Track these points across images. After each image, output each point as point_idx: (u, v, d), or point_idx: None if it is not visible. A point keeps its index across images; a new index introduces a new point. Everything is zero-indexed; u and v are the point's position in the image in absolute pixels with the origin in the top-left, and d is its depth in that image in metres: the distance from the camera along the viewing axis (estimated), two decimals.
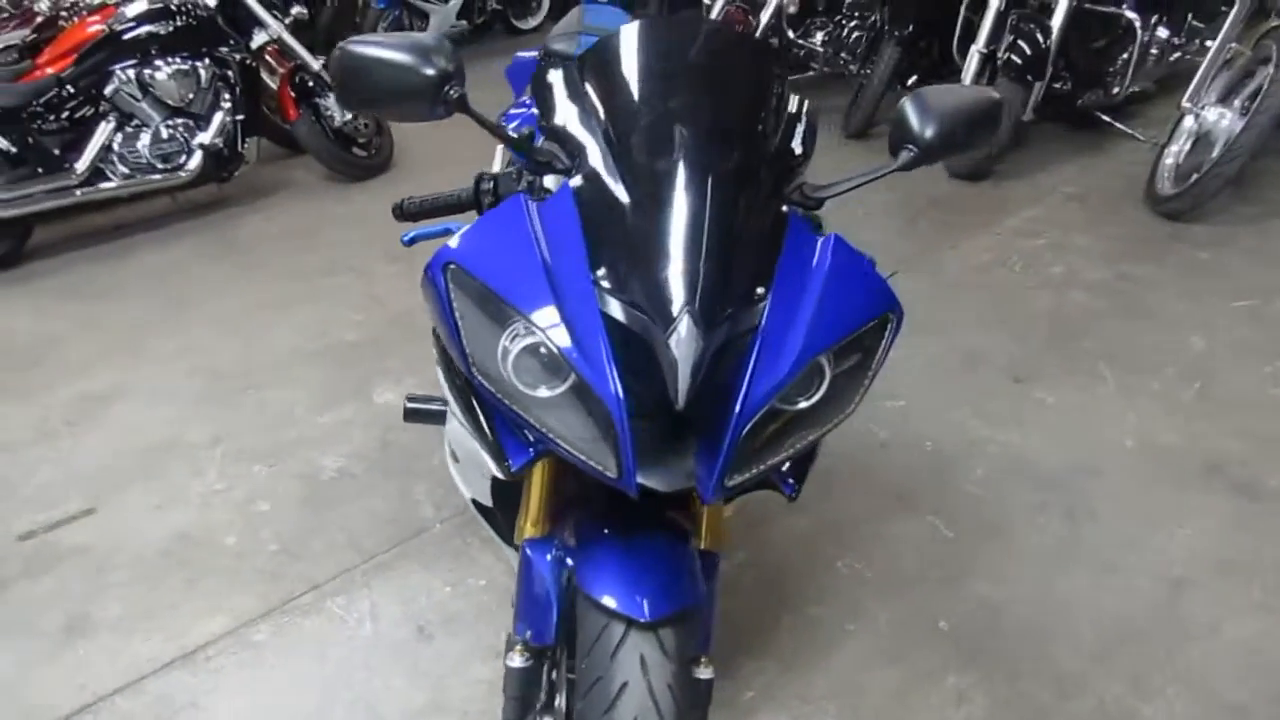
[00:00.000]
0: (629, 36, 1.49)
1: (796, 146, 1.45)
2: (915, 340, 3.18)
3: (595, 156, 1.35)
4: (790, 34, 5.35)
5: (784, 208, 1.37)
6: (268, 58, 4.72)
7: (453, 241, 1.28)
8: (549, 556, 1.42)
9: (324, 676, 2.06)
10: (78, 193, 4.14)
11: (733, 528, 2.39)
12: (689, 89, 1.41)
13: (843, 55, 5.19)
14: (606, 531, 1.37)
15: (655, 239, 1.25)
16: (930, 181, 4.41)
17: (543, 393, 1.22)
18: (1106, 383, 2.94)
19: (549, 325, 1.20)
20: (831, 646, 2.08)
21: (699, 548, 1.50)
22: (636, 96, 1.39)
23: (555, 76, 1.51)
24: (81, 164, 4.12)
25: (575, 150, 1.38)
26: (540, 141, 1.45)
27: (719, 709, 1.94)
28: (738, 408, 1.19)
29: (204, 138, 4.35)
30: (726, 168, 1.32)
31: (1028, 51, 4.12)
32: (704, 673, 1.48)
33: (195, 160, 4.35)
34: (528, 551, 1.44)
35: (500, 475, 1.38)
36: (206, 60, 4.39)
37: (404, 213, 1.60)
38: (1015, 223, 4.04)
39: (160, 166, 4.33)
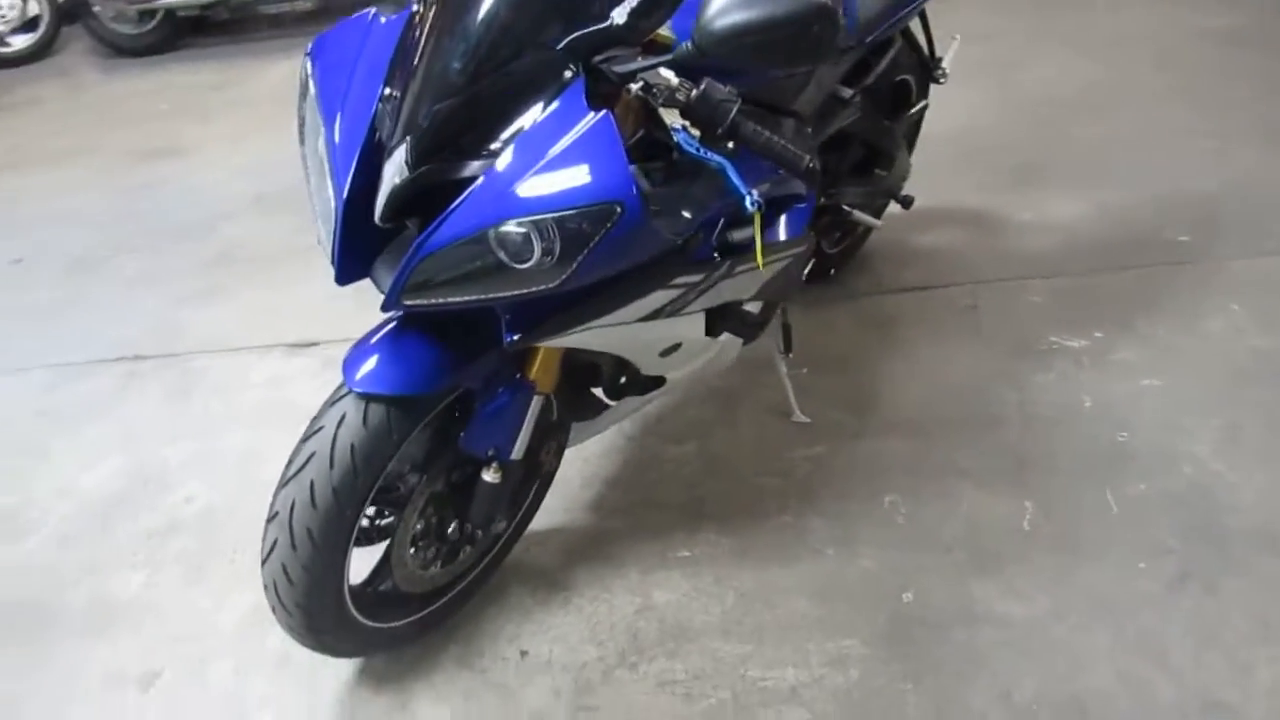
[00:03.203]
0: None
1: (619, 17, 1.41)
2: (1231, 325, 2.54)
3: None
4: None
5: (568, 74, 1.39)
6: None
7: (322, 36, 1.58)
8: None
9: None
10: None
11: (835, 424, 2.35)
12: None
13: None
14: (405, 317, 1.61)
15: (426, 70, 1.42)
16: None
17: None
18: None
19: (331, 123, 1.47)
20: (794, 559, 2.06)
21: (526, 380, 1.69)
22: None
23: None
24: None
25: None
26: None
27: (647, 552, 2.10)
28: (420, 240, 1.36)
29: None
30: (518, 20, 1.40)
31: None
32: (490, 476, 1.73)
33: None
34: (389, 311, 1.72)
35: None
36: None
37: None
38: None
39: None
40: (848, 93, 2.40)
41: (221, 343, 3.03)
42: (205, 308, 3.24)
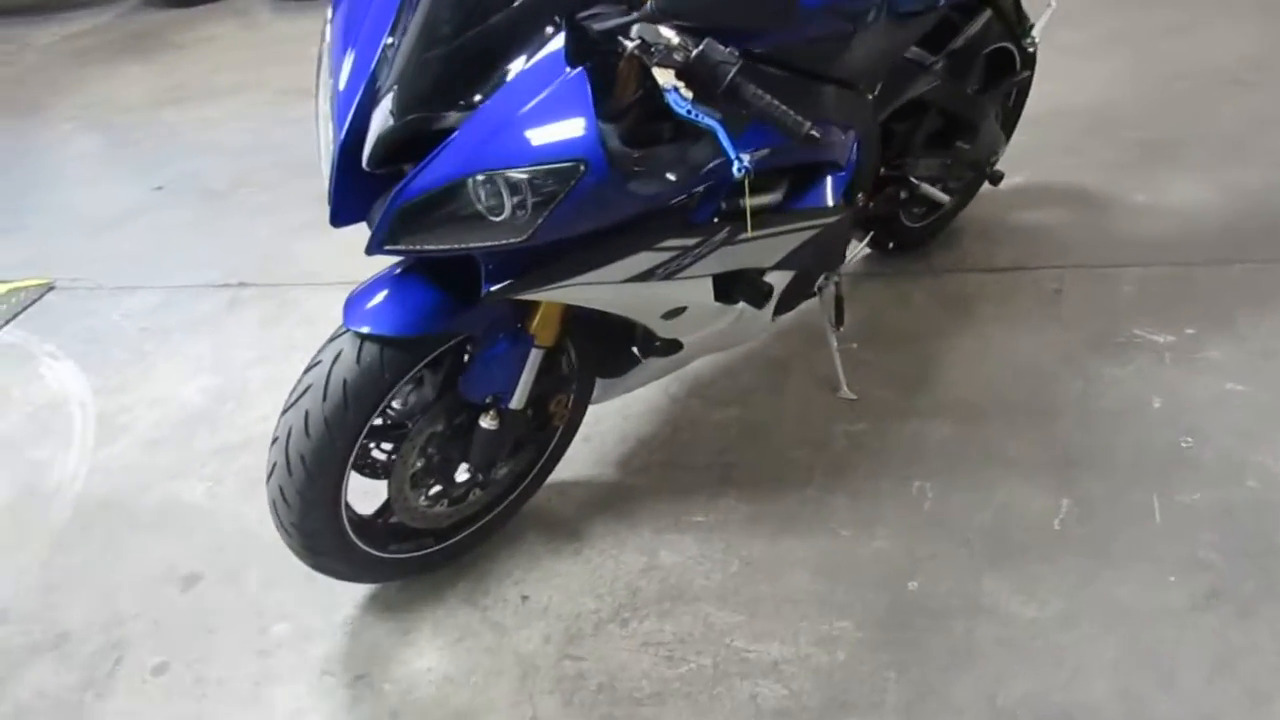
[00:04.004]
0: None
1: None
2: None
3: None
4: None
5: (550, 29, 1.40)
6: None
7: None
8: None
9: None
10: None
11: (883, 402, 2.29)
12: None
13: None
14: (413, 261, 1.67)
15: (419, 20, 1.46)
16: None
17: None
18: None
19: (338, 68, 1.53)
20: (807, 534, 2.02)
21: (526, 332, 1.73)
22: None
23: None
24: None
25: None
26: None
27: (664, 512, 2.11)
28: (397, 189, 1.41)
29: None
30: None
31: None
32: (487, 423, 1.78)
33: None
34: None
35: None
36: None
37: None
38: None
39: None
40: (929, 59, 2.30)
41: (318, 276, 3.19)
42: (312, 241, 3.42)
